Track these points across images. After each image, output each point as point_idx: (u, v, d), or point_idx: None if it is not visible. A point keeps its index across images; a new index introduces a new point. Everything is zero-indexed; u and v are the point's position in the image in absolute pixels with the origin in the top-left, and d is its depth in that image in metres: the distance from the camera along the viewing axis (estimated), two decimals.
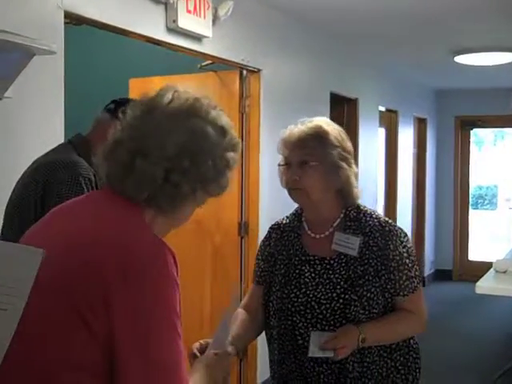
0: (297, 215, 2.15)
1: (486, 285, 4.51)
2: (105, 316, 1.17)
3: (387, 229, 2.01)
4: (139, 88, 4.89)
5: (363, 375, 1.97)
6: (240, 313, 2.09)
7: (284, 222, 2.18)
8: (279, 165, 2.07)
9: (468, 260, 9.15)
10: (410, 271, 2.00)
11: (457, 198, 9.18)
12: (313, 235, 2.07)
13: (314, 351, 1.89)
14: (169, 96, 1.39)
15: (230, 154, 1.40)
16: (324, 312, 1.95)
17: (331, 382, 1.97)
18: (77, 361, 1.19)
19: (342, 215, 2.05)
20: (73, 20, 3.00)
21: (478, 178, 14.27)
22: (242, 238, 4.50)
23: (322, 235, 2.05)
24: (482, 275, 4.80)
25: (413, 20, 4.89)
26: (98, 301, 1.17)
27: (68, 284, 1.20)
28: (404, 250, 2.00)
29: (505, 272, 4.82)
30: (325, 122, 2.09)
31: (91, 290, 1.18)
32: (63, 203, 1.45)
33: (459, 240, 9.18)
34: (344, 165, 2.02)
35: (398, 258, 1.98)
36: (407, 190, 8.16)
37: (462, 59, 6.14)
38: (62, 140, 2.87)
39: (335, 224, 2.04)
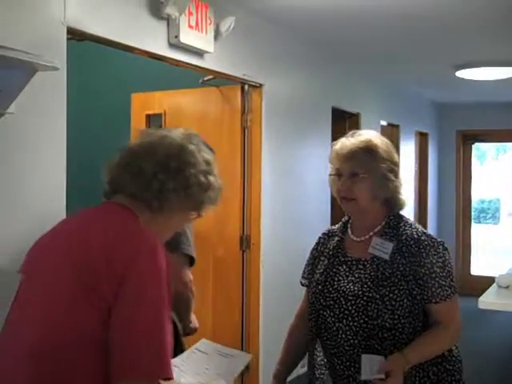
0: (344, 222, 2.31)
1: (488, 300, 4.50)
2: (109, 294, 1.45)
3: (423, 238, 2.13)
4: (141, 103, 4.92)
5: None
6: (289, 331, 2.36)
7: (334, 227, 2.36)
8: (330, 174, 2.23)
9: (470, 274, 9.12)
10: (441, 280, 2.08)
11: (459, 212, 9.17)
12: (354, 238, 2.23)
13: (366, 375, 1.97)
14: (174, 130, 1.79)
15: (212, 178, 1.71)
16: (350, 308, 2.09)
17: None
18: (79, 327, 1.46)
19: (383, 222, 2.19)
20: (76, 36, 3.01)
21: (480, 192, 14.26)
22: (243, 252, 4.49)
23: (363, 238, 2.20)
24: (485, 290, 4.79)
25: (414, 35, 4.91)
26: (106, 285, 1.46)
27: (85, 273, 1.48)
28: (439, 260, 2.10)
29: (507, 287, 4.81)
30: (374, 136, 2.23)
31: (103, 277, 1.46)
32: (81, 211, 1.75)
33: (462, 254, 9.16)
34: (392, 176, 2.18)
35: (428, 265, 2.08)
36: (409, 204, 8.09)
37: (463, 74, 6.16)
38: (64, 155, 2.88)
39: (376, 230, 2.18)
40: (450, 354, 2.15)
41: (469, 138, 9.20)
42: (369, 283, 2.08)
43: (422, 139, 8.65)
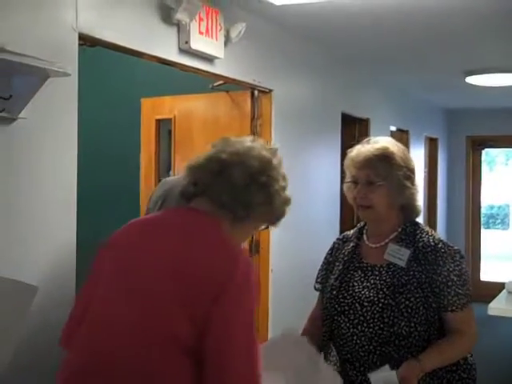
0: (360, 227, 2.31)
1: (498, 306, 4.48)
2: (207, 310, 1.51)
3: (440, 246, 2.13)
4: (151, 107, 4.94)
5: None
6: (302, 334, 2.30)
7: (349, 233, 2.35)
8: (345, 182, 2.22)
9: (480, 280, 9.08)
10: (458, 288, 2.07)
11: (468, 218, 9.14)
12: (370, 245, 2.22)
13: None
14: (251, 138, 1.85)
15: (288, 193, 1.81)
16: (365, 314, 2.08)
17: None
18: (173, 334, 1.52)
19: (399, 229, 2.18)
20: (87, 42, 3.03)
21: (489, 198, 14.19)
22: (252, 257, 4.49)
23: (378, 245, 2.19)
24: (494, 296, 4.77)
25: (424, 41, 4.91)
26: (205, 298, 1.52)
27: (181, 291, 1.54)
28: (456, 268, 2.09)
29: None
30: (390, 143, 2.22)
31: (200, 298, 1.52)
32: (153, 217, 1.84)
33: (471, 260, 9.12)
34: (408, 183, 2.19)
35: (445, 273, 2.07)
36: None
37: (473, 80, 6.15)
38: (75, 159, 2.90)
39: (392, 236, 2.18)
40: (465, 362, 2.14)
41: (478, 144, 9.18)
42: (385, 290, 2.07)
43: (432, 145, 8.64)
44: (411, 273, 2.07)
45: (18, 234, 2.63)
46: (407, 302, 2.04)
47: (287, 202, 1.80)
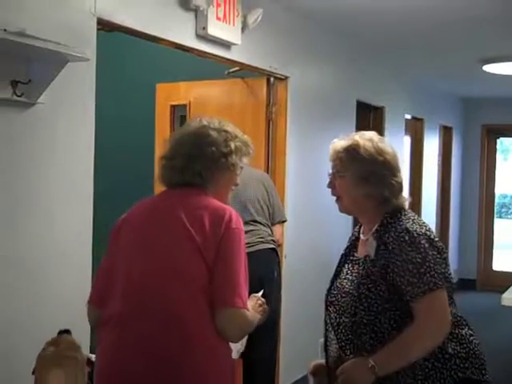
0: None
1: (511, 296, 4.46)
2: (213, 250, 1.96)
3: (402, 235, 2.09)
4: (166, 93, 4.94)
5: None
6: None
7: (357, 227, 2.39)
8: (328, 173, 2.30)
9: (492, 270, 9.07)
10: (413, 277, 2.03)
11: (482, 207, 9.11)
12: (362, 238, 2.28)
13: None
14: (190, 123, 2.21)
15: (234, 143, 2.10)
16: (344, 305, 2.16)
17: None
18: (192, 273, 1.96)
19: (379, 221, 2.19)
20: (105, 27, 3.04)
21: (502, 187, 14.12)
22: None
23: (365, 238, 2.24)
24: (507, 285, 4.75)
25: (441, 29, 4.88)
26: (212, 244, 1.97)
27: (198, 243, 1.96)
28: (416, 256, 2.04)
29: None
30: (363, 137, 2.23)
31: (210, 244, 1.96)
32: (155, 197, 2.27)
33: (483, 249, 9.10)
34: (372, 178, 2.17)
35: (399, 263, 2.05)
36: (432, 199, 8.11)
37: (490, 68, 6.10)
38: (92, 144, 2.92)
39: (374, 229, 2.20)
40: (441, 351, 2.08)
41: (493, 133, 9.13)
42: (355, 281, 2.15)
43: (447, 133, 8.60)
44: (375, 263, 2.11)
45: (34, 214, 2.66)
46: (367, 293, 2.08)
47: (231, 153, 2.10)
